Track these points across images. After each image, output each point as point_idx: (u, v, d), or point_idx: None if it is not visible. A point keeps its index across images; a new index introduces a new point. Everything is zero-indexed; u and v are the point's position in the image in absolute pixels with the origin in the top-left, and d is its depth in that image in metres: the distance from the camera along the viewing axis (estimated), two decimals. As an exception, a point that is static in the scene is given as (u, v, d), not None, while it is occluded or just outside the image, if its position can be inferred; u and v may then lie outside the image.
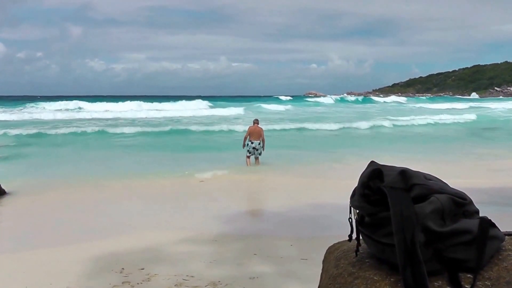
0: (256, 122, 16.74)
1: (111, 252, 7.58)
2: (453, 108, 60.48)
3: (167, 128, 29.36)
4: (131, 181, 13.42)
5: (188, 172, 14.56)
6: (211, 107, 55.37)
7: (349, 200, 1.76)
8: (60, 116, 41.95)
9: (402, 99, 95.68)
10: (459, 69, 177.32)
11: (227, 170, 15.35)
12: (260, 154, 16.21)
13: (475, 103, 75.41)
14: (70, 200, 11.53)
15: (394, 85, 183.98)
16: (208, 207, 10.69)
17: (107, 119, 38.75)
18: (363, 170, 1.70)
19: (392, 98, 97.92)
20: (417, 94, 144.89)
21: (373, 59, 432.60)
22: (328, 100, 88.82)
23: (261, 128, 16.58)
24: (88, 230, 8.99)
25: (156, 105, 54.48)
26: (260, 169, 15.68)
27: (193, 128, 29.58)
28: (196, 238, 8.28)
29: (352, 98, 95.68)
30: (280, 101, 78.32)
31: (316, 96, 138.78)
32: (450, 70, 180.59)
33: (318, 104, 75.53)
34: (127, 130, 28.48)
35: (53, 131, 27.86)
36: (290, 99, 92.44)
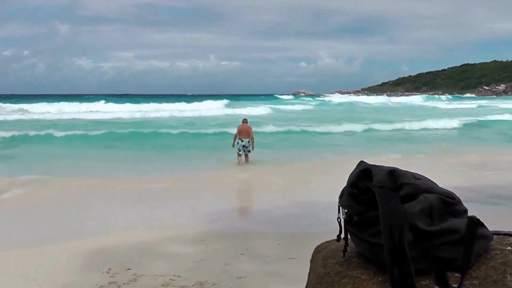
0: (245, 121, 17.30)
1: (97, 251, 7.55)
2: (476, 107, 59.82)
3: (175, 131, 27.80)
4: (118, 181, 13.37)
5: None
6: (227, 106, 54.87)
7: (338, 200, 1.77)
8: (62, 116, 41.36)
9: (416, 98, 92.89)
10: (449, 68, 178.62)
11: (215, 168, 15.40)
12: (249, 151, 16.66)
13: (477, 101, 75.44)
14: (54, 199, 11.45)
15: (383, 84, 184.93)
16: (195, 206, 10.68)
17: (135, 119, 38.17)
18: (352, 170, 1.71)
19: (412, 98, 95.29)
20: (406, 93, 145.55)
21: (362, 57, 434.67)
22: (337, 99, 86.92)
23: (250, 127, 17.15)
24: (73, 230, 8.94)
25: (170, 105, 53.83)
26: (249, 168, 15.86)
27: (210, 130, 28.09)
28: (183, 237, 8.27)
29: (366, 98, 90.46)
30: (289, 101, 77.04)
31: (305, 94, 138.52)
32: (440, 69, 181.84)
33: (325, 103, 73.62)
34: (118, 131, 28.17)
35: (49, 131, 27.33)
36: (292, 98, 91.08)
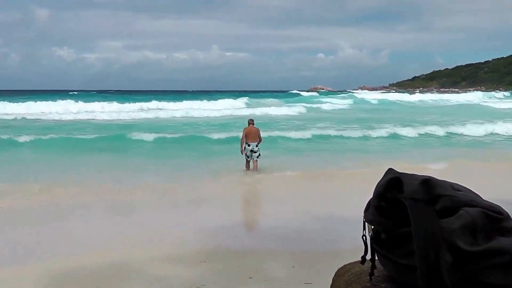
0: (251, 122, 17.42)
1: (75, 274, 7.53)
2: None
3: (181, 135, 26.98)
4: (101, 191, 13.40)
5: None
6: (248, 105, 55.18)
7: (362, 214, 1.75)
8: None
9: (471, 95, 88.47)
10: (493, 60, 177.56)
11: (220, 176, 15.41)
12: (258, 156, 16.67)
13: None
14: (24, 212, 11.45)
15: (415, 78, 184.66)
16: (195, 220, 10.67)
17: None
18: (380, 178, 1.70)
19: (469, 95, 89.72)
20: (441, 89, 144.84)
21: (390, 48, 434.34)
22: (372, 96, 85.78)
23: (258, 129, 17.29)
24: (47, 248, 8.92)
25: (172, 104, 53.85)
26: (258, 175, 15.96)
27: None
28: (180, 257, 8.25)
29: (407, 96, 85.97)
30: (315, 98, 76.61)
31: (325, 91, 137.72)
32: (482, 61, 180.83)
33: (359, 101, 72.65)
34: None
35: (21, 134, 27.35)
36: (318, 95, 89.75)
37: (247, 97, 62.30)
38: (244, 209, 12.82)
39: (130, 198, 12.73)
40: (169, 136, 26.05)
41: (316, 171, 16.43)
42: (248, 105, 55.45)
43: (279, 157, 19.48)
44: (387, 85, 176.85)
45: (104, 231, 10.01)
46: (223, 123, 33.82)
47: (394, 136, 27.72)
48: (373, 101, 72.81)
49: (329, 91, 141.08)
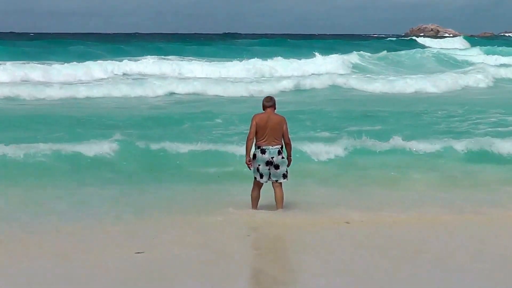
0: (269, 104, 12.82)
1: None
2: None
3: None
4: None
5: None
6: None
7: None
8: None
9: None
10: None
11: (206, 220, 12.23)
12: (284, 176, 12.70)
13: None
14: None
15: None
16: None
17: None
18: None
19: None
20: None
21: None
22: None
23: (282, 117, 12.82)
24: None
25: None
26: (290, 219, 12.39)
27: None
28: None
29: None
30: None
31: (447, 35, 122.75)
32: None
33: None
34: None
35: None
36: (465, 46, 79.03)
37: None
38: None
39: (26, 257, 10.15)
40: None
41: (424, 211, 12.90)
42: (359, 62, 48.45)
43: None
44: None
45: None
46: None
47: None
48: None
49: (453, 34, 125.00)
